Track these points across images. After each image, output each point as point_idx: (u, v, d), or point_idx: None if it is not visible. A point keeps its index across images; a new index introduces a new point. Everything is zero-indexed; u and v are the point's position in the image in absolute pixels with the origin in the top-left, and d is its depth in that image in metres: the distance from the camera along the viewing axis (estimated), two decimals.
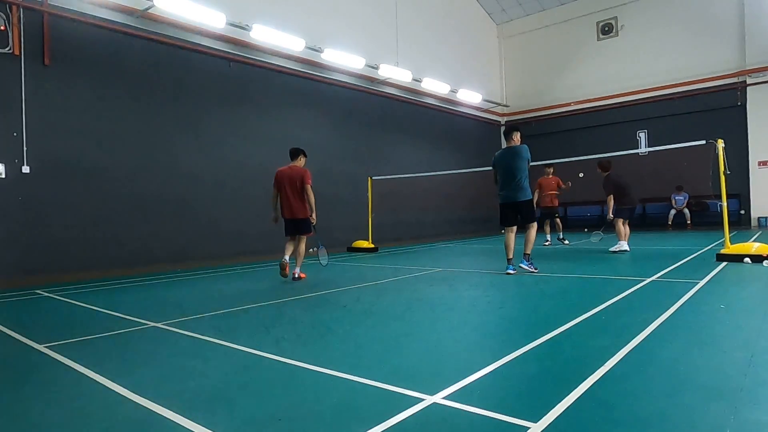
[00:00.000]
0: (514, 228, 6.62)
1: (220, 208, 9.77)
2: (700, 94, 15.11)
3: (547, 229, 11.59)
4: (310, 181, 6.72)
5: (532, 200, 6.52)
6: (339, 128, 12.63)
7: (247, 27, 10.05)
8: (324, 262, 7.56)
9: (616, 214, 9.40)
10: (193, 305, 5.16)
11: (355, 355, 3.17)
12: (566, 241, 11.66)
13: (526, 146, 6.44)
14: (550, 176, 11.52)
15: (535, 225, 6.52)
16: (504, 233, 6.70)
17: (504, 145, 6.76)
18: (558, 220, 11.81)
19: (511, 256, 6.51)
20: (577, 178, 13.20)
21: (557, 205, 11.68)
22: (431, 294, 5.45)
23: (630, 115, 16.33)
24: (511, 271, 6.36)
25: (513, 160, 6.38)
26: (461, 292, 5.51)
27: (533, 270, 6.45)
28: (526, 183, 6.40)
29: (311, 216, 6.77)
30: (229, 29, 9.91)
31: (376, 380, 2.58)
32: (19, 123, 7.36)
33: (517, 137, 6.50)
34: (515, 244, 6.67)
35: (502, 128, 19.35)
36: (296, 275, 6.75)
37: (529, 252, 6.51)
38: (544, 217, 11.59)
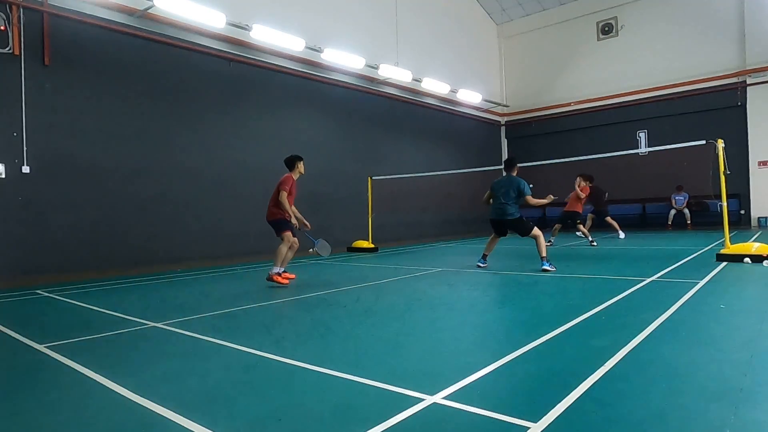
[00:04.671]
0: (498, 238, 7.78)
1: (220, 208, 9.78)
2: (700, 94, 15.10)
3: (555, 232, 11.45)
4: (284, 187, 6.41)
5: (521, 218, 7.35)
6: (339, 128, 12.64)
7: (247, 27, 10.05)
8: (324, 253, 7.31)
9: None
10: (193, 305, 5.16)
11: (355, 355, 3.17)
12: (594, 243, 11.07)
13: (525, 182, 7.29)
14: (582, 186, 11.20)
15: (538, 234, 7.15)
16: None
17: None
18: (580, 225, 11.38)
19: (487, 253, 7.74)
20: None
21: (578, 210, 11.23)
22: (431, 294, 5.45)
23: (630, 115, 16.32)
24: (482, 264, 7.60)
25: (511, 186, 7.27)
26: (461, 292, 5.51)
27: (553, 269, 6.99)
28: (516, 206, 7.31)
29: (289, 218, 6.42)
30: (229, 29, 9.91)
31: (376, 380, 2.58)
32: (19, 123, 7.36)
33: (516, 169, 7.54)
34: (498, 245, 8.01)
35: (503, 128, 19.44)
36: (270, 275, 6.32)
37: (544, 255, 7.10)
38: (563, 220, 11.43)
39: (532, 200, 7.24)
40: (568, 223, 11.51)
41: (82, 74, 8.09)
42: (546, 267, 6.96)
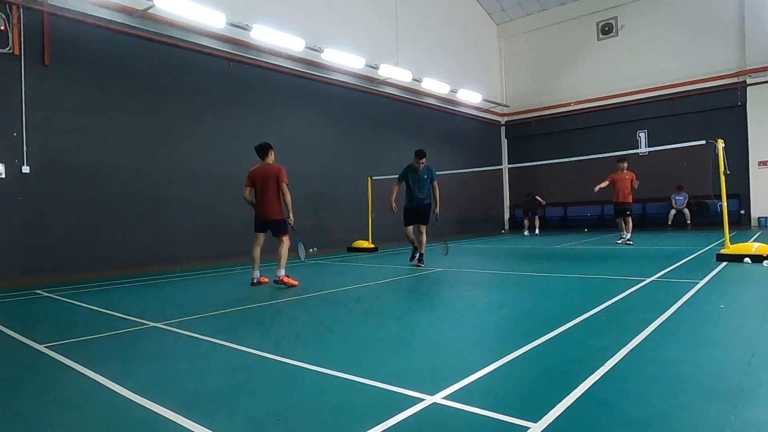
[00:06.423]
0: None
1: (220, 207, 9.77)
2: (700, 94, 15.10)
3: (622, 225, 11.14)
4: (286, 179, 6.30)
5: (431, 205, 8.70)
6: (339, 128, 12.63)
7: (247, 27, 10.05)
8: (302, 256, 7.18)
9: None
10: (193, 305, 5.16)
11: (355, 355, 3.17)
12: (630, 242, 10.91)
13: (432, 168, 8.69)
14: (625, 171, 11.05)
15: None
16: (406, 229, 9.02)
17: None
18: (629, 218, 11.12)
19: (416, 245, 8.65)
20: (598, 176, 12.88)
21: (631, 201, 11.12)
22: (431, 294, 5.45)
23: (630, 115, 16.32)
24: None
25: (425, 175, 8.72)
26: (461, 292, 5.51)
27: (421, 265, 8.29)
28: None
29: (288, 217, 6.39)
30: (229, 29, 9.91)
31: (376, 380, 2.58)
32: (19, 123, 7.36)
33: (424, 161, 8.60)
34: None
35: (503, 128, 19.44)
36: (279, 278, 6.16)
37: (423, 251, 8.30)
38: (618, 214, 11.25)
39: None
40: (626, 214, 11.13)
41: (82, 74, 8.09)
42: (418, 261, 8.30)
